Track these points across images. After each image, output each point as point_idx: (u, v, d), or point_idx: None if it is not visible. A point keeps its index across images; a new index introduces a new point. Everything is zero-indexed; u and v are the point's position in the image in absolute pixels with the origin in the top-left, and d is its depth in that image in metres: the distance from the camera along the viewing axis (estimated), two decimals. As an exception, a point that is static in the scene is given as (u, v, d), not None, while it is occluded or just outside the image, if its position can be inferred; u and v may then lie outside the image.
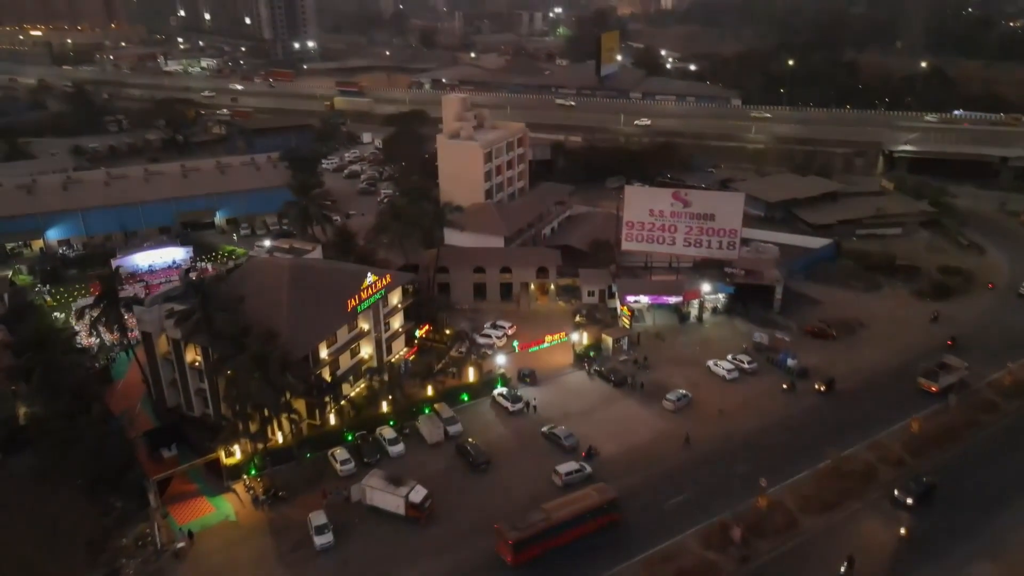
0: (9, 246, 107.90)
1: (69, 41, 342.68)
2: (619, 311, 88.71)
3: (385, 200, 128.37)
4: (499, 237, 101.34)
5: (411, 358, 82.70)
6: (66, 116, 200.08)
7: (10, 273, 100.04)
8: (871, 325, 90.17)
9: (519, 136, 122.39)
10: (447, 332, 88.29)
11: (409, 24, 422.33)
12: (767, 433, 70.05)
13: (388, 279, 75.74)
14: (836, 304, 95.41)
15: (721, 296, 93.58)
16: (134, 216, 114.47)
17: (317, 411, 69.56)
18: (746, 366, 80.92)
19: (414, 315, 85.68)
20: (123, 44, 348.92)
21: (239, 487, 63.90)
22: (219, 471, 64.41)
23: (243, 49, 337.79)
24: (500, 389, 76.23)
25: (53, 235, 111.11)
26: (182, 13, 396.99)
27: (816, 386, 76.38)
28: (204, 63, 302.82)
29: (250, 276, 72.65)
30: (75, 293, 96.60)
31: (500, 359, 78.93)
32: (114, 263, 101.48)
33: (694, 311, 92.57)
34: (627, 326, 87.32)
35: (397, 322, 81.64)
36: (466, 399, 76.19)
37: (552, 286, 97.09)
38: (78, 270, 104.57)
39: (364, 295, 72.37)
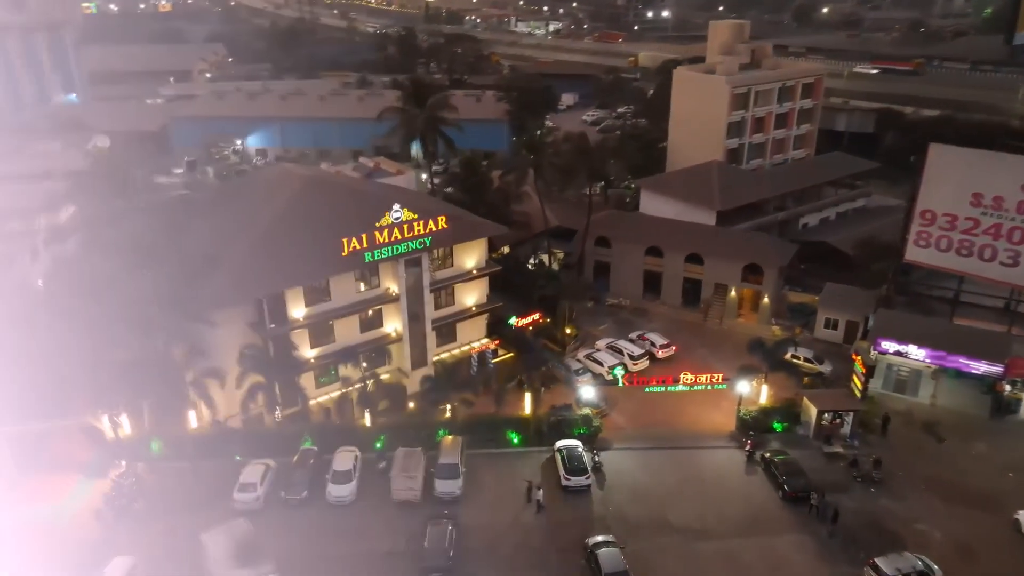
0: (212, 150, 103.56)
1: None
2: (855, 364, 48.11)
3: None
4: (709, 211, 65.49)
5: (495, 352, 54.24)
6: (392, 58, 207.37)
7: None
8: None
9: (809, 81, 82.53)
10: (568, 331, 57.51)
11: (792, 2, 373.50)
12: None
13: (443, 223, 47.91)
14: None
15: (1104, 386, 46.74)
16: (330, 134, 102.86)
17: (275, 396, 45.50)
18: (1116, 548, 36.19)
19: (518, 293, 56.80)
20: (490, 8, 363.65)
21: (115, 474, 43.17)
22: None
23: (584, 15, 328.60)
24: (568, 443, 43.80)
25: (253, 142, 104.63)
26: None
27: None
28: (551, 25, 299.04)
29: (254, 186, 51.18)
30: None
31: (586, 392, 46.03)
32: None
33: (1029, 400, 47.56)
34: (858, 393, 46.78)
35: (471, 297, 53.44)
36: (516, 442, 45.53)
37: (766, 299, 59.04)
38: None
39: (380, 238, 45.86)
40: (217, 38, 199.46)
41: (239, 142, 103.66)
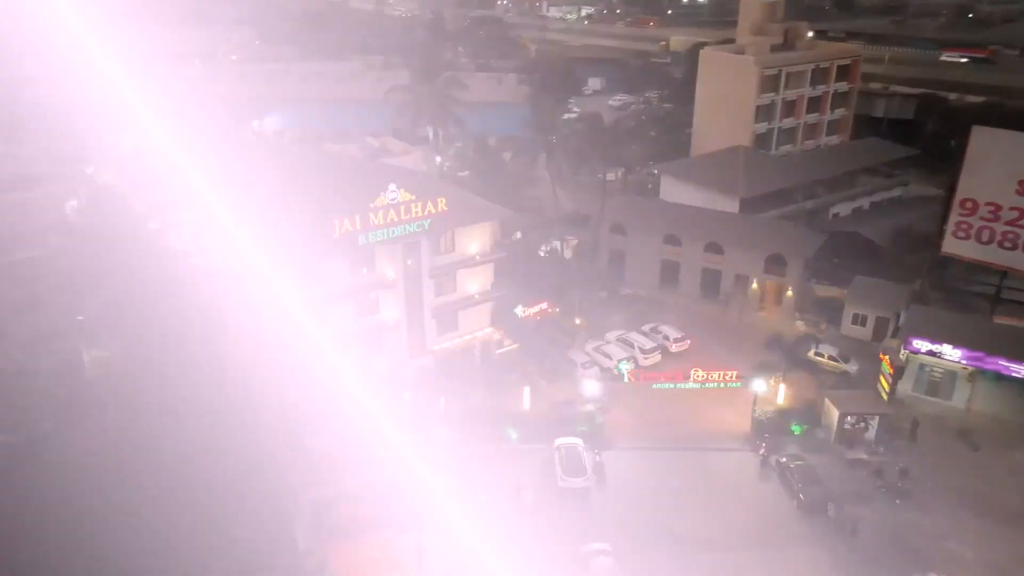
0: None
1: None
2: (882, 364, 44.51)
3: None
4: (733, 199, 62.03)
5: (499, 343, 51.73)
6: (420, 42, 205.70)
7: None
8: None
9: (845, 63, 78.13)
10: (577, 322, 54.76)
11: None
12: None
13: (442, 205, 45.38)
14: None
15: None
16: (347, 115, 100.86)
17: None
18: None
19: (527, 281, 54.05)
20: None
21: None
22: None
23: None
24: (567, 441, 41.21)
25: (270, 124, 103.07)
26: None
27: None
28: (583, 10, 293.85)
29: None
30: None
31: (590, 386, 43.23)
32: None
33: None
34: (885, 396, 43.23)
35: (475, 284, 50.87)
36: (514, 437, 43.03)
37: (789, 292, 55.51)
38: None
39: (375, 220, 43.45)
40: (245, 20, 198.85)
41: (256, 123, 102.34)
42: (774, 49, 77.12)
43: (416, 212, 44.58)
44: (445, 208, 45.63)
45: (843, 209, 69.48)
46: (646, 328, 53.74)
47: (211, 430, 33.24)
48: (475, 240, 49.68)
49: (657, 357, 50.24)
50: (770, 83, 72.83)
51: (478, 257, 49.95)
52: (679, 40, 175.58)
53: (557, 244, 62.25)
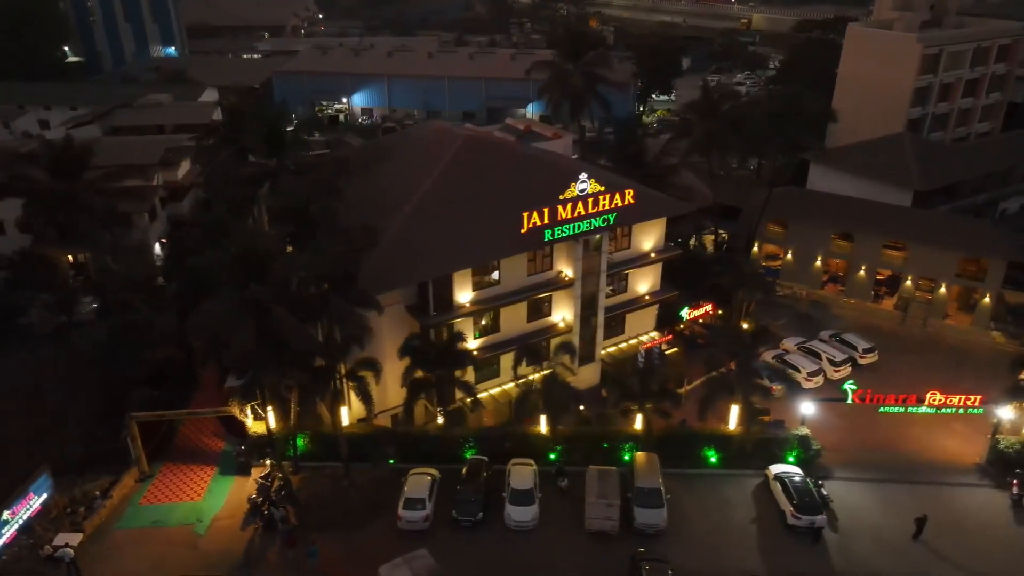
0: (317, 108, 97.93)
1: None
2: None
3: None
4: (905, 191, 56.14)
5: (664, 348, 47.10)
6: (481, 17, 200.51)
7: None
8: None
9: (1005, 43, 71.13)
10: (744, 325, 49.65)
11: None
12: None
13: (630, 197, 40.42)
14: None
15: None
16: (440, 94, 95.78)
17: (436, 394, 39.26)
18: None
19: (688, 281, 49.02)
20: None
21: (257, 473, 37.94)
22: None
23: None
24: (784, 469, 36.40)
25: (358, 101, 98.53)
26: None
27: None
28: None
29: (403, 145, 44.50)
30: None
31: (806, 407, 38.11)
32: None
33: None
34: None
35: (645, 284, 46.06)
36: (714, 463, 38.23)
37: (987, 298, 49.70)
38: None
39: (563, 213, 38.66)
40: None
41: (344, 100, 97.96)
42: (924, 26, 70.48)
43: (604, 205, 39.74)
44: (632, 200, 40.71)
45: (1011, 205, 63.17)
46: (825, 335, 48.55)
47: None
48: (650, 236, 44.86)
49: (847, 370, 45.03)
50: (929, 63, 66.29)
51: (653, 255, 45.14)
52: (763, 18, 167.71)
53: (707, 239, 57.09)
